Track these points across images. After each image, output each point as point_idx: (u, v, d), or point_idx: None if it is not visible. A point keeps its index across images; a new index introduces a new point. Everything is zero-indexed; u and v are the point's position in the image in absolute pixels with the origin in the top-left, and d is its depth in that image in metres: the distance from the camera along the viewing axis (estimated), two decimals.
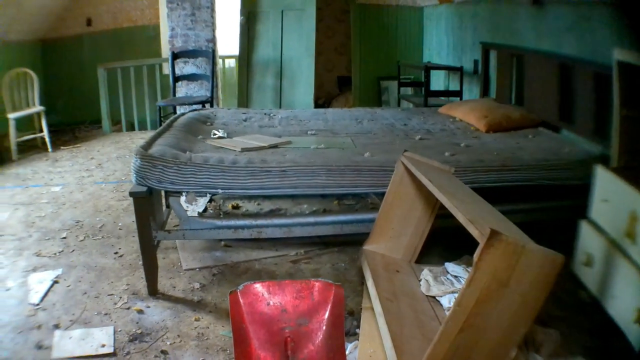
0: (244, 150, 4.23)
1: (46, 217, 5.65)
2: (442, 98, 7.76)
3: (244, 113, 6.15)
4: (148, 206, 3.75)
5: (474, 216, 2.52)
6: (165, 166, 3.72)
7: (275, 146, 4.45)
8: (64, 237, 5.09)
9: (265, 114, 6.14)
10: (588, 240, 3.35)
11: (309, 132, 5.17)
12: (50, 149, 8.39)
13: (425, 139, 4.95)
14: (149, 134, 8.90)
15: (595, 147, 4.53)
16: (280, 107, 8.52)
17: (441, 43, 8.70)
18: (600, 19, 4.63)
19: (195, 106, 7.14)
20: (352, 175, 3.84)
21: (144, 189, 3.71)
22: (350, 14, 9.79)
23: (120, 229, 5.24)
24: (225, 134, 4.85)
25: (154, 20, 10.40)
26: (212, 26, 8.41)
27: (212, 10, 8.38)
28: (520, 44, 6.14)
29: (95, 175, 7.01)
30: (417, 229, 3.79)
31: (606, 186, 3.25)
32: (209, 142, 4.54)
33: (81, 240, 5.00)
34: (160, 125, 7.28)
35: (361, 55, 9.58)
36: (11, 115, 7.97)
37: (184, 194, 3.84)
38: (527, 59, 5.95)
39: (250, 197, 4.71)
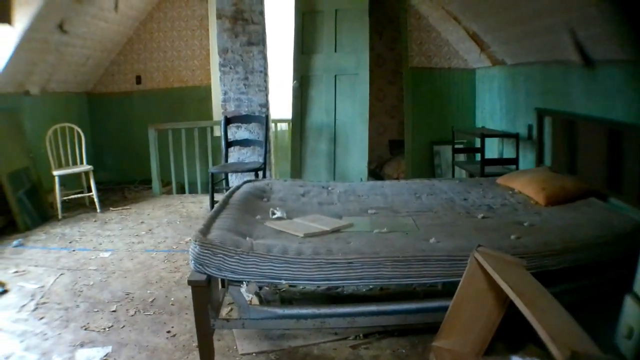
0: (306, 236, 4.07)
1: (94, 286, 5.51)
2: (498, 166, 7.56)
3: (301, 186, 6.01)
4: (207, 295, 3.59)
5: (554, 331, 2.36)
6: (226, 255, 3.56)
7: (337, 230, 4.29)
8: (114, 311, 4.92)
9: (322, 187, 6.01)
10: (631, 314, 3.40)
11: (369, 211, 5.00)
12: (98, 209, 8.35)
13: (488, 217, 4.76)
14: (199, 198, 9.13)
15: None
16: (334, 174, 8.41)
17: (494, 106, 8.54)
18: None
19: (248, 174, 7.06)
20: (419, 265, 3.65)
21: (203, 277, 3.56)
22: (402, 75, 9.69)
23: (172, 304, 5.03)
24: (284, 214, 4.69)
25: (205, 82, 10.48)
26: (265, 90, 8.34)
27: (265, 74, 8.32)
28: (571, 108, 6.03)
29: (145, 241, 6.89)
30: (486, 323, 3.58)
31: None
32: (268, 225, 4.39)
33: (132, 315, 4.81)
34: (213, 191, 7.26)
35: (413, 119, 9.43)
36: (56, 172, 7.97)
37: (244, 283, 3.67)
38: (579, 125, 5.84)
39: None
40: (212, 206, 7.36)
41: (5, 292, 5.41)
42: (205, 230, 3.89)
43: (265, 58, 8.32)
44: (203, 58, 10.63)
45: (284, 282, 3.60)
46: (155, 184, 9.56)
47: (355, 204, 5.35)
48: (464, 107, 9.45)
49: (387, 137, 10.75)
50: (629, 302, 3.46)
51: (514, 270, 3.19)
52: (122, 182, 10.53)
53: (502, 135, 7.82)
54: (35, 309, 4.98)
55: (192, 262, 3.63)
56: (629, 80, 4.90)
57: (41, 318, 4.79)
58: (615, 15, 4.50)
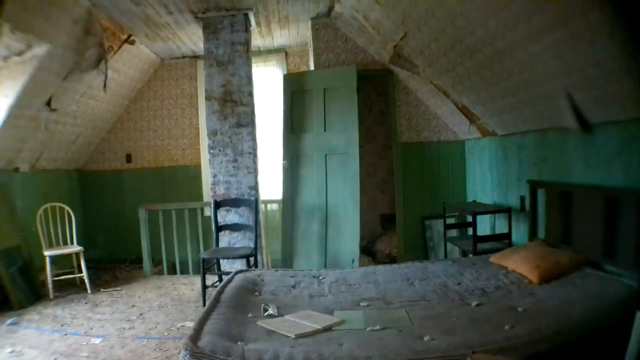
0: (298, 337, 4.03)
1: None
2: (491, 242, 7.53)
3: (292, 277, 5.98)
4: None
5: None
6: None
7: (329, 328, 4.25)
8: None
9: (313, 276, 5.97)
10: None
11: (361, 304, 4.95)
12: (89, 290, 8.31)
13: (482, 303, 4.72)
14: (191, 279, 9.17)
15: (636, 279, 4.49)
16: (325, 255, 8.35)
17: (485, 178, 8.54)
18: None
19: (239, 260, 7.07)
20: None
21: None
22: (392, 149, 9.73)
23: None
24: (276, 310, 4.66)
25: (195, 161, 10.61)
26: (255, 172, 8.36)
27: (255, 155, 8.36)
28: (567, 177, 6.02)
29: (136, 327, 6.80)
30: None
31: None
32: (260, 324, 4.34)
33: None
34: (204, 276, 7.26)
35: (404, 194, 9.43)
36: (47, 253, 7.98)
37: None
38: (575, 194, 5.83)
39: None
40: (203, 290, 7.38)
41: None
42: (196, 335, 3.84)
43: (254, 139, 8.36)
44: (193, 137, 10.74)
45: None
46: (147, 264, 9.52)
47: (346, 294, 5.30)
48: (454, 179, 9.46)
49: (378, 211, 10.77)
50: None
51: None
52: (113, 260, 10.49)
53: (495, 210, 7.78)
54: None
55: None
56: (628, 141, 4.92)
57: None
58: (622, 73, 4.48)
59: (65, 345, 6.17)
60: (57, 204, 8.55)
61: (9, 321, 6.93)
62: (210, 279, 7.93)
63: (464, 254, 7.98)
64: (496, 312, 4.46)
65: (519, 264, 5.60)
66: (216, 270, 8.13)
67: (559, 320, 4.00)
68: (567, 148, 6.02)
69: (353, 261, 8.03)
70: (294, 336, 4.03)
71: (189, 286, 8.76)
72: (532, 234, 6.85)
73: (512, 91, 6.40)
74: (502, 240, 7.39)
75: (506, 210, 7.43)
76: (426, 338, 3.92)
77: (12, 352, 5.91)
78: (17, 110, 7.46)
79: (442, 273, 5.82)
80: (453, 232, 9.02)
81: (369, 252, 9.97)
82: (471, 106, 7.85)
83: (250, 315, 4.61)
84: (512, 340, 3.72)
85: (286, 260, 8.56)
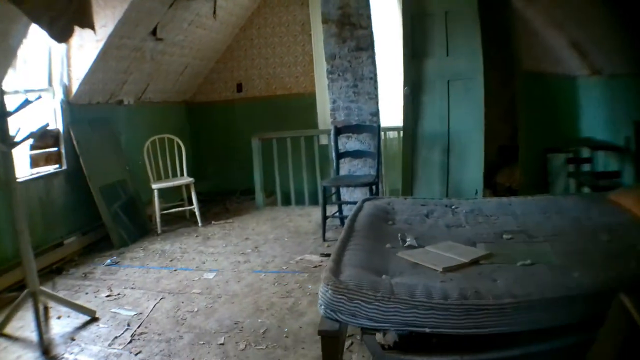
0: (445, 270, 3.61)
1: (199, 313, 5.14)
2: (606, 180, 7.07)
3: (423, 205, 5.54)
4: (338, 346, 3.21)
5: None
6: (365, 301, 3.12)
7: (476, 262, 3.83)
8: (222, 344, 4.52)
9: (446, 206, 5.52)
10: None
11: (504, 236, 4.51)
12: (200, 223, 8.09)
13: (611, 240, 4.30)
14: (307, 210, 8.79)
15: None
16: (447, 185, 7.93)
17: (596, 116, 7.91)
18: None
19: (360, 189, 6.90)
20: (568, 305, 3.22)
21: (336, 326, 3.15)
22: (511, 79, 9.11)
23: (286, 336, 4.60)
24: (415, 241, 4.24)
25: (309, 89, 10.14)
26: (376, 98, 7.88)
27: (375, 81, 7.86)
28: None
29: (252, 261, 6.53)
30: None
31: None
32: (401, 256, 3.93)
33: (242, 350, 4.41)
34: (325, 206, 6.98)
35: (527, 126, 8.84)
36: (155, 186, 7.76)
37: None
38: None
39: None
40: (324, 221, 7.14)
41: (95, 320, 5.06)
42: (336, 268, 3.46)
43: (374, 64, 7.86)
44: (306, 64, 10.32)
45: (427, 330, 3.11)
46: (259, 195, 9.28)
47: (485, 226, 4.88)
48: (569, 114, 8.81)
49: (497, 143, 10.18)
50: None
51: None
52: (222, 192, 10.29)
53: (612, 148, 7.22)
54: (131, 341, 4.63)
55: (322, 307, 3.21)
56: None
57: (138, 353, 4.42)
58: None
59: (174, 282, 5.94)
60: (166, 136, 8.32)
61: (107, 261, 6.71)
62: (330, 209, 7.56)
63: (579, 188, 7.71)
64: (623, 249, 4.07)
65: (633, 204, 5.18)
66: (335, 199, 7.81)
67: None
68: None
69: (477, 192, 7.66)
70: (441, 269, 3.63)
71: (305, 217, 8.43)
72: (638, 175, 6.45)
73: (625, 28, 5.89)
74: (614, 179, 6.92)
75: (619, 149, 6.91)
76: (575, 274, 3.51)
77: (108, 296, 5.63)
78: (118, 40, 7.18)
79: (574, 207, 5.36)
80: (570, 167, 8.42)
81: (488, 184, 9.44)
82: (583, 41, 7.24)
83: (388, 245, 4.22)
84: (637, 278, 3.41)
85: (407, 190, 8.11)
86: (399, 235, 4.39)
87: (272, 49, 10.49)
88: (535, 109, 8.79)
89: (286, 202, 9.44)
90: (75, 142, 7.09)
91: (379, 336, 3.20)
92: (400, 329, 3.14)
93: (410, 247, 4.17)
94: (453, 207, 5.48)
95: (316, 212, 7.41)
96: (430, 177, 8.03)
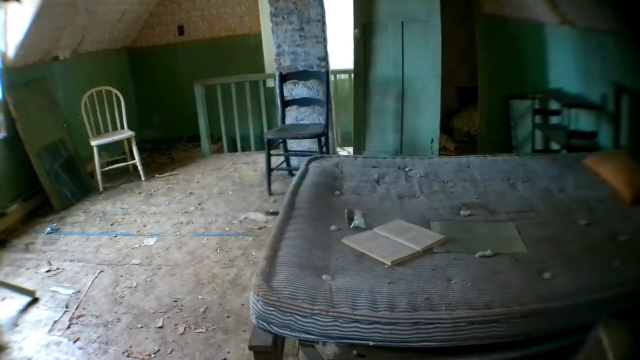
0: (394, 263, 3.27)
1: (138, 289, 4.82)
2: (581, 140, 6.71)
3: (375, 167, 5.16)
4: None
5: None
6: (300, 314, 2.76)
7: (430, 249, 3.48)
8: (160, 327, 4.22)
9: (399, 168, 5.15)
10: None
11: (461, 212, 4.16)
12: (143, 178, 7.65)
13: (591, 224, 3.94)
14: (253, 157, 8.43)
15: None
16: (401, 133, 7.54)
17: (567, 67, 7.56)
18: None
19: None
20: (537, 320, 2.83)
21: (269, 339, 2.81)
22: (473, 21, 8.73)
23: (227, 316, 4.32)
24: (363, 221, 3.89)
25: (255, 29, 9.61)
26: (324, 42, 7.44)
27: (323, 23, 7.40)
28: None
29: (195, 221, 6.20)
30: None
31: None
32: (347, 242, 3.56)
33: (181, 334, 4.11)
34: (269, 160, 6.75)
35: (488, 69, 8.49)
36: (94, 142, 7.32)
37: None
38: None
39: None
40: (269, 176, 6.85)
41: (35, 301, 4.74)
42: (269, 269, 3.07)
43: (322, 5, 7.37)
44: (251, 3, 9.75)
45: (371, 343, 2.77)
46: (205, 143, 8.90)
47: (441, 196, 4.52)
48: (536, 62, 8.46)
49: (455, 84, 9.85)
50: None
51: None
52: (169, 139, 9.87)
53: (587, 106, 6.88)
54: (69, 326, 4.31)
55: (254, 317, 2.85)
56: None
57: (76, 340, 4.13)
58: None
59: (114, 252, 5.61)
60: (103, 88, 7.79)
61: (48, 228, 6.30)
62: (275, 161, 7.25)
63: (547, 142, 7.51)
64: (604, 238, 3.71)
65: (613, 174, 4.80)
66: (282, 150, 7.45)
67: None
68: None
69: (432, 141, 7.29)
70: (389, 263, 3.27)
71: (251, 166, 8.11)
72: (616, 139, 6.12)
73: None
74: (591, 139, 6.56)
75: (597, 107, 6.55)
76: (547, 275, 3.15)
77: (48, 271, 5.29)
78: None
79: (544, 174, 5.00)
80: (536, 119, 8.09)
81: (445, 128, 9.12)
82: None
83: (333, 227, 3.83)
84: (623, 284, 3.01)
85: (359, 141, 7.80)
86: (346, 212, 4.04)
87: None
88: (496, 52, 8.43)
89: (233, 148, 9.10)
90: (11, 108, 6.63)
91: (319, 347, 2.89)
92: (341, 342, 2.81)
93: (358, 228, 3.81)
94: (407, 169, 5.12)
95: (262, 160, 7.02)
96: (384, 125, 7.67)
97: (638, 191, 4.36)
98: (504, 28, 8.42)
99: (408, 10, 7.33)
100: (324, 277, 3.09)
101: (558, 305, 2.86)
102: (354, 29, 7.57)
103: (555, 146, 7.09)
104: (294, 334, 2.80)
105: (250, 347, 2.81)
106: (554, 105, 7.45)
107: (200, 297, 4.62)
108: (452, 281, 3.09)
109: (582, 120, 6.92)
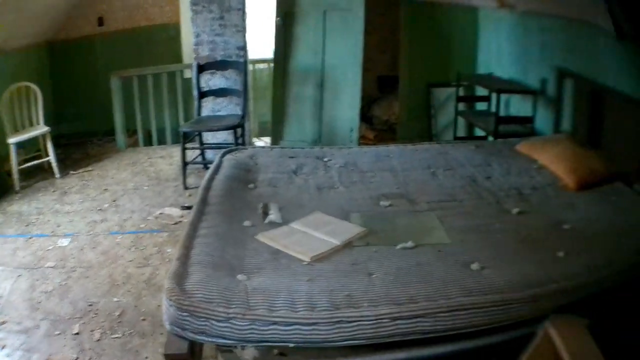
0: (313, 259, 3.15)
1: (54, 294, 4.58)
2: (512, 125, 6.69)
3: (292, 157, 5.04)
4: None
5: None
6: (215, 319, 2.60)
7: (349, 243, 3.38)
8: (77, 333, 4.02)
9: (317, 157, 5.05)
10: None
11: (381, 203, 4.08)
12: (57, 175, 7.33)
13: (524, 212, 3.91)
14: (168, 151, 8.21)
15: None
16: (320, 122, 7.47)
17: (501, 51, 7.57)
18: None
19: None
20: (465, 314, 2.73)
21: (184, 346, 2.65)
22: (397, 8, 8.70)
23: (143, 319, 4.14)
24: (279, 215, 3.75)
25: (174, 19, 9.36)
26: (244, 31, 7.26)
27: (244, 12, 7.22)
28: (599, 78, 5.24)
29: (109, 219, 5.96)
30: None
31: None
32: (262, 239, 3.41)
33: (97, 340, 3.92)
34: (184, 154, 6.59)
35: (410, 57, 8.43)
36: (12, 140, 6.95)
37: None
38: (608, 98, 5.06)
39: None
40: (184, 170, 6.70)
41: None
42: (181, 270, 2.90)
43: None
44: None
45: (291, 345, 2.63)
46: (120, 137, 8.62)
47: (361, 186, 4.44)
48: (466, 47, 8.43)
49: (375, 72, 9.82)
50: None
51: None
52: (85, 134, 9.51)
53: (520, 91, 6.85)
54: None
55: (167, 323, 2.68)
56: None
57: (3, 347, 3.93)
58: None
59: (29, 254, 5.32)
60: (23, 84, 7.44)
61: None
62: (191, 155, 7.10)
63: (470, 130, 7.57)
64: (543, 227, 3.67)
65: (552, 160, 4.79)
66: (198, 143, 7.30)
67: (610, 250, 3.29)
68: (598, 47, 5.27)
69: (352, 130, 7.26)
70: (308, 260, 3.15)
71: (166, 159, 7.91)
72: (557, 124, 6.14)
73: None
74: (525, 125, 6.55)
75: (531, 92, 6.54)
76: (474, 266, 3.08)
77: None
78: None
79: (467, 161, 4.96)
80: (460, 106, 8.04)
81: (364, 117, 9.04)
82: None
83: (247, 223, 3.68)
84: (570, 278, 2.96)
85: (277, 131, 7.72)
86: (261, 206, 3.90)
87: None
88: (420, 40, 8.44)
89: (148, 142, 8.84)
90: None
91: (239, 351, 2.73)
92: (259, 346, 2.66)
93: (274, 223, 3.67)
94: (325, 159, 5.02)
95: (179, 153, 6.82)
96: (303, 114, 7.58)
97: (583, 177, 4.36)
98: (431, 14, 8.42)
99: None
100: (239, 277, 2.94)
101: (490, 299, 2.78)
102: (276, 17, 7.47)
103: (480, 133, 7.05)
104: (210, 340, 2.65)
105: (166, 356, 2.65)
106: (481, 91, 7.42)
107: (115, 299, 4.43)
108: (374, 275, 3.00)
109: (517, 106, 6.92)
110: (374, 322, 2.62)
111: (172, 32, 9.47)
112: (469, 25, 8.26)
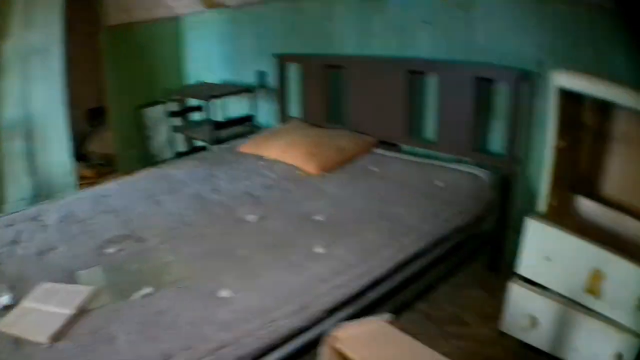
0: (51, 339, 2.93)
1: None
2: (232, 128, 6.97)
3: (10, 225, 4.46)
4: None
5: None
6: None
7: (85, 309, 3.17)
8: None
9: (32, 219, 4.57)
10: (527, 303, 3.45)
11: (106, 251, 3.87)
12: None
13: (264, 217, 4.01)
14: None
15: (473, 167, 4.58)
16: (38, 175, 7.17)
17: (210, 56, 7.80)
18: None
19: None
20: (232, 349, 2.74)
21: None
22: (98, 37, 8.57)
23: None
24: (11, 297, 3.41)
25: None
26: None
27: None
28: (335, 50, 5.70)
29: None
30: None
31: (548, 243, 3.29)
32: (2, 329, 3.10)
33: None
34: None
35: (116, 84, 8.41)
36: None
37: None
38: (348, 67, 5.48)
39: None
40: None
41: None
42: None
43: None
44: None
45: None
46: None
47: (82, 237, 4.11)
48: (172, 61, 8.56)
49: (84, 107, 9.63)
50: (516, 291, 3.52)
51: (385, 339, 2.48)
52: None
53: (235, 92, 7.05)
54: None
55: None
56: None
57: None
58: None
59: None
60: None
61: None
62: None
63: (190, 142, 7.73)
64: (291, 227, 3.79)
65: (284, 151, 4.97)
66: None
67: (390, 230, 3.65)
68: (332, 17, 5.73)
69: (66, 175, 7.19)
70: (46, 341, 2.94)
71: None
72: (283, 113, 6.42)
73: None
74: (246, 124, 6.84)
75: (248, 90, 6.83)
76: (224, 293, 3.11)
77: None
78: None
79: (190, 179, 4.97)
80: (174, 121, 8.19)
81: (80, 156, 8.86)
82: None
83: None
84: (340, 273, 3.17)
85: None
86: None
87: None
88: (125, 64, 8.41)
89: None
90: None
91: None
92: None
93: (8, 308, 3.34)
94: (39, 218, 4.60)
95: None
96: (17, 171, 7.15)
97: (322, 160, 4.62)
98: (131, 37, 8.39)
99: (30, 43, 6.97)
100: None
101: (255, 324, 2.82)
102: None
103: (202, 144, 7.10)
104: None
105: None
106: (194, 102, 7.52)
107: None
108: (118, 341, 2.80)
109: (237, 107, 7.09)
110: None
111: None
112: (172, 37, 8.37)
